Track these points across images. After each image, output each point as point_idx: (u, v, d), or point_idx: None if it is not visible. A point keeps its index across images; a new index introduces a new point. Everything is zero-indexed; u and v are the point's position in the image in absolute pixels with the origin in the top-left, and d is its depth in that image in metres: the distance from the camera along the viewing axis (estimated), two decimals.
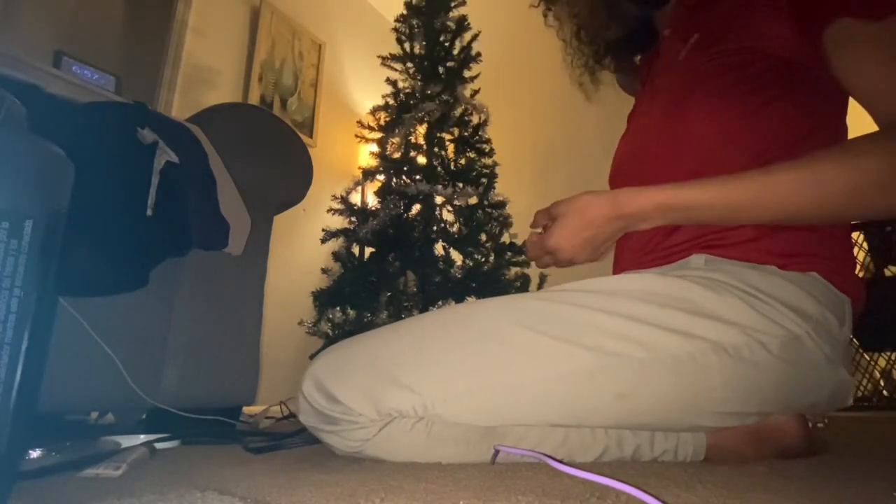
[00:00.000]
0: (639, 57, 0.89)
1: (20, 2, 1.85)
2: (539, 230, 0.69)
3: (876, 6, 0.54)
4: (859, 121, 0.59)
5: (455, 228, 2.12)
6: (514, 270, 2.07)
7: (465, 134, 2.25)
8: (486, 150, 2.24)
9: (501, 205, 2.13)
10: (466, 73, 2.30)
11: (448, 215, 2.15)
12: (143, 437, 0.76)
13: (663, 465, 0.55)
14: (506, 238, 2.10)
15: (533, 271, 2.06)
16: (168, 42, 2.26)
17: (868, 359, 1.76)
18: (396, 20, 2.37)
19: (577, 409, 0.55)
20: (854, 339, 1.70)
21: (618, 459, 0.58)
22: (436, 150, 2.23)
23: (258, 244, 1.17)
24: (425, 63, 2.30)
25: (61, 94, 0.90)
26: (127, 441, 0.75)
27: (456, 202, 2.07)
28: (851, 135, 0.63)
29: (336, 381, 0.56)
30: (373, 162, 2.23)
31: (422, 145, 2.23)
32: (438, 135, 2.23)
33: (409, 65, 2.33)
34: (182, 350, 1.00)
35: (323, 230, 2.09)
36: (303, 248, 2.63)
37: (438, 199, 2.12)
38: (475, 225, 2.08)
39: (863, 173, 0.51)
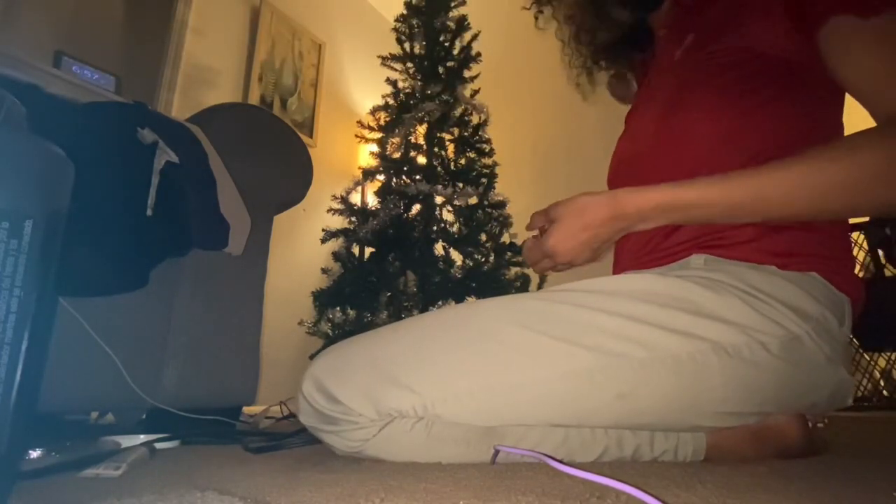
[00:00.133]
0: (637, 57, 0.89)
1: (20, 2, 1.85)
2: (535, 233, 0.69)
3: (871, 3, 0.54)
4: (857, 120, 0.58)
5: (455, 228, 2.12)
6: (514, 270, 2.07)
7: (465, 134, 2.25)
8: (486, 150, 2.24)
9: (501, 205, 2.13)
10: (466, 73, 2.30)
11: (448, 215, 2.15)
12: (143, 437, 0.76)
13: (663, 465, 0.55)
14: (506, 238, 2.10)
15: (533, 271, 2.06)
16: (168, 42, 2.26)
17: (868, 359, 1.76)
18: (396, 20, 2.37)
19: (577, 409, 0.55)
20: (854, 339, 1.70)
21: (618, 459, 0.58)
22: (436, 150, 2.23)
23: (258, 244, 1.17)
24: (425, 63, 2.30)
25: (61, 94, 0.90)
26: (127, 441, 0.75)
27: (456, 202, 2.07)
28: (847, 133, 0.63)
29: (336, 381, 0.56)
30: (373, 162, 2.23)
31: (422, 145, 2.23)
32: (438, 135, 2.23)
33: (409, 65, 2.33)
34: (182, 350, 1.00)
35: (323, 230, 2.09)
36: (303, 248, 2.63)
37: (438, 199, 2.12)
38: (475, 225, 2.08)
39: (862, 168, 0.51)
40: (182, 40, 2.29)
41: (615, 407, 0.54)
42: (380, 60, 2.33)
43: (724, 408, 0.56)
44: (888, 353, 1.73)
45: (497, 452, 0.54)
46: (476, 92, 2.33)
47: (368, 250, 2.14)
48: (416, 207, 2.13)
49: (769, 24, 0.62)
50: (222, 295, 1.09)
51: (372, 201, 2.28)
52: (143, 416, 1.09)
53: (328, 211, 2.13)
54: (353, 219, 2.12)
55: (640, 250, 0.68)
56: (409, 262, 2.04)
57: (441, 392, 0.54)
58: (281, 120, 1.28)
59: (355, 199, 2.21)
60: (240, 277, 1.14)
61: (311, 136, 2.82)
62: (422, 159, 2.22)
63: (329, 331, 1.99)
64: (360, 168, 2.28)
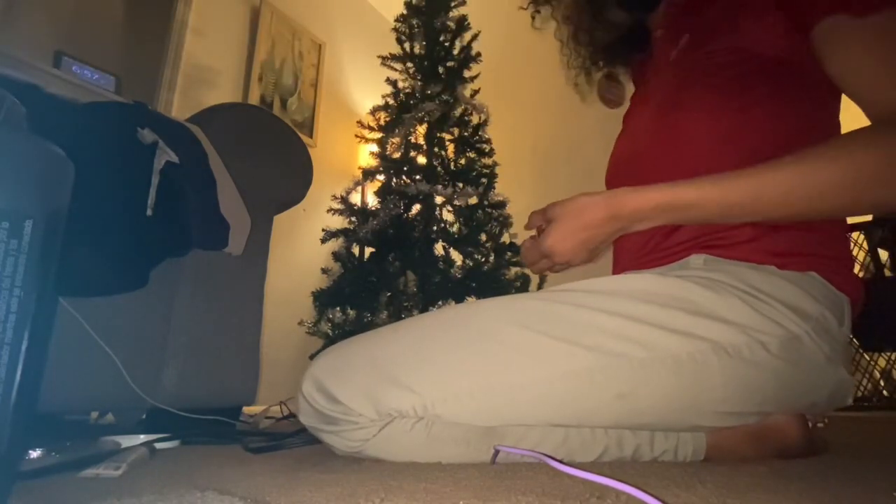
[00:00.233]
0: (635, 58, 0.90)
1: (20, 2, 1.85)
2: (533, 233, 0.69)
3: (864, 2, 0.54)
4: (854, 119, 0.58)
5: (455, 228, 2.12)
6: (514, 270, 2.07)
7: (465, 134, 2.25)
8: (486, 150, 2.24)
9: (501, 205, 2.13)
10: (466, 73, 2.30)
11: (448, 215, 2.15)
12: (143, 437, 0.76)
13: (663, 465, 0.55)
14: (506, 238, 2.10)
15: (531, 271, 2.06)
16: (168, 42, 2.26)
17: (868, 359, 1.76)
18: (396, 20, 2.37)
19: (577, 409, 0.55)
20: (854, 339, 1.70)
21: (618, 459, 0.58)
22: (436, 150, 2.23)
23: (258, 244, 1.17)
24: (425, 63, 2.30)
25: (61, 94, 0.90)
26: (127, 441, 0.75)
27: (456, 202, 2.07)
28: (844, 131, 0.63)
29: (336, 382, 0.56)
30: (373, 162, 2.23)
31: (422, 145, 2.23)
32: (438, 135, 2.23)
33: (409, 65, 2.33)
34: (182, 350, 1.00)
35: (323, 230, 2.09)
36: (303, 248, 2.63)
37: (438, 199, 2.12)
38: (475, 225, 2.08)
39: (858, 167, 0.51)
40: (182, 40, 2.29)
41: (615, 407, 0.54)
42: (380, 60, 2.33)
43: (724, 407, 0.56)
44: (888, 353, 1.73)
45: (497, 452, 0.54)
46: (476, 92, 2.33)
47: (368, 250, 2.14)
48: (416, 207, 2.13)
49: (764, 23, 0.62)
50: (222, 295, 1.09)
51: (372, 201, 2.28)
52: (143, 416, 1.09)
53: (328, 211, 2.13)
54: (353, 219, 2.12)
55: (639, 250, 0.68)
56: (409, 262, 2.04)
57: (441, 392, 0.54)
58: (281, 120, 1.28)
59: (355, 199, 2.21)
60: (240, 277, 1.14)
61: (311, 136, 2.82)
62: (422, 159, 2.22)
63: (329, 331, 1.99)
64: (360, 168, 2.28)
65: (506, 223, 2.12)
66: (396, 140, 2.21)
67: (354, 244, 2.12)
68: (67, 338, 0.82)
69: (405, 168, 2.19)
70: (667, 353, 0.53)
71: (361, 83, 3.20)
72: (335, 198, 2.13)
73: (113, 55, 2.10)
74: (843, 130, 0.62)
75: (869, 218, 1.76)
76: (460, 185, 2.08)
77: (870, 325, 1.51)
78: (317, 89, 2.91)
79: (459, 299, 1.96)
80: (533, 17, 0.88)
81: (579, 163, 2.73)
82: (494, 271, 2.01)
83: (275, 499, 0.40)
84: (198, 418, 0.96)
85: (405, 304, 1.98)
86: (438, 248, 2.09)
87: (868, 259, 1.75)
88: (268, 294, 1.21)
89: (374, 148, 2.26)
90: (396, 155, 2.22)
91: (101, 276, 0.86)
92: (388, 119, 2.27)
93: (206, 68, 2.39)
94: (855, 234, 1.78)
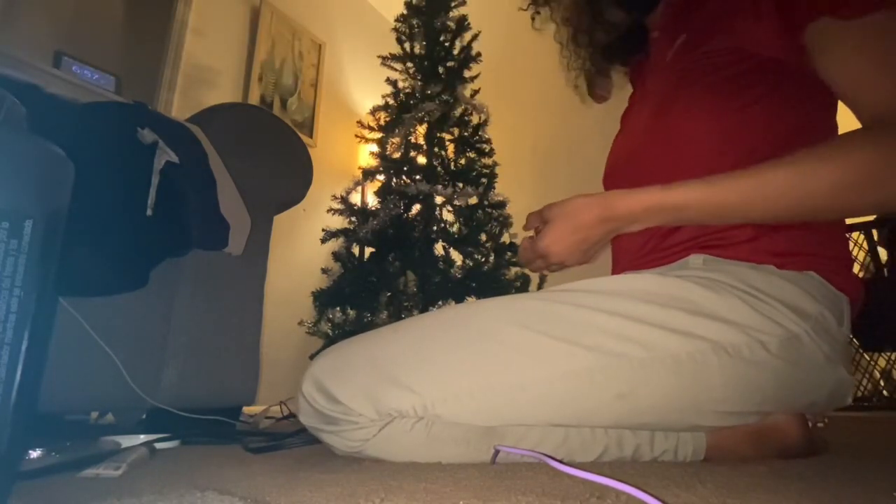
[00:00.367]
0: (633, 59, 0.90)
1: (20, 2, 1.85)
2: (531, 233, 0.70)
3: (853, 5, 0.55)
4: (853, 119, 0.59)
5: (455, 228, 2.12)
6: (514, 270, 2.07)
7: (465, 134, 2.25)
8: (486, 150, 2.24)
9: (501, 205, 2.13)
10: (466, 73, 2.30)
11: (448, 215, 2.15)
12: (143, 437, 0.76)
13: (663, 465, 0.55)
14: (506, 238, 2.10)
15: (530, 271, 2.06)
16: (168, 42, 2.26)
17: (868, 359, 1.76)
18: (396, 20, 2.37)
19: (577, 408, 0.55)
20: (854, 339, 1.70)
21: (618, 459, 0.58)
22: (436, 150, 2.23)
23: (258, 244, 1.17)
24: (425, 63, 2.30)
25: (61, 94, 0.90)
26: (127, 441, 0.75)
27: (456, 202, 2.07)
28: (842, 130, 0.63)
29: (336, 382, 0.56)
30: (373, 162, 2.22)
31: (422, 145, 2.23)
32: (438, 135, 2.23)
33: (409, 65, 2.33)
34: (182, 350, 1.00)
35: (323, 230, 2.09)
36: (303, 248, 2.63)
37: (438, 199, 2.12)
38: (475, 225, 2.08)
39: (848, 170, 0.51)
40: (182, 40, 2.29)
41: (615, 407, 0.54)
42: (380, 60, 2.33)
43: (724, 407, 0.56)
44: (888, 353, 1.73)
45: (497, 452, 0.54)
46: (476, 92, 2.33)
47: (368, 250, 2.14)
48: (416, 207, 2.13)
49: (760, 24, 0.62)
50: (222, 295, 1.09)
51: (372, 201, 2.28)
52: (143, 416, 1.09)
53: (328, 211, 2.13)
54: (353, 219, 2.12)
55: (639, 250, 0.69)
56: (409, 262, 2.04)
57: (441, 392, 0.54)
58: (281, 120, 1.28)
59: (355, 199, 2.21)
60: (240, 277, 1.14)
61: (311, 136, 2.82)
62: (422, 159, 2.22)
63: (329, 331, 1.99)
64: (360, 168, 2.27)
65: (506, 223, 2.12)
66: (396, 140, 2.21)
67: (354, 244, 2.12)
68: (67, 338, 0.82)
69: (405, 168, 2.19)
70: (666, 352, 0.53)
71: (361, 83, 3.20)
72: (335, 198, 2.13)
73: (113, 55, 2.10)
74: (841, 129, 0.62)
75: (869, 218, 1.76)
76: (460, 185, 2.08)
77: (870, 325, 1.51)
78: (317, 89, 2.91)
79: (459, 299, 1.96)
80: (533, 19, 0.88)
81: (579, 163, 2.72)
82: (494, 271, 2.01)
83: (275, 499, 0.40)
84: (198, 418, 0.96)
85: (405, 304, 1.98)
86: (438, 248, 2.09)
87: (868, 259, 1.75)
88: (268, 294, 1.21)
89: (374, 148, 2.26)
90: (396, 155, 2.22)
91: (101, 276, 0.86)
92: (388, 119, 2.27)
93: (206, 68, 2.39)
94: (855, 235, 1.78)
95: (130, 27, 2.22)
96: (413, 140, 2.22)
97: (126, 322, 0.93)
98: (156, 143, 0.91)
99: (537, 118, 3.21)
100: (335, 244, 2.13)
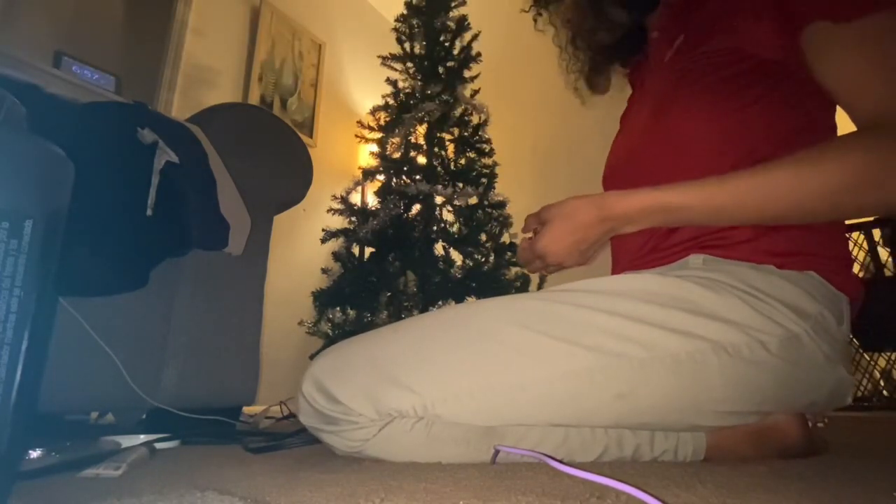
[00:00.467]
0: (633, 60, 0.90)
1: (20, 2, 1.85)
2: (530, 235, 0.70)
3: (848, 8, 0.55)
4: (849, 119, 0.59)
5: (455, 228, 2.12)
6: (514, 270, 2.07)
7: (465, 134, 2.25)
8: (486, 150, 2.24)
9: (501, 205, 2.13)
10: (466, 73, 2.30)
11: (448, 215, 2.15)
12: (143, 437, 0.76)
13: (663, 465, 0.55)
14: (506, 238, 2.10)
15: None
16: (168, 42, 2.26)
17: (868, 359, 1.76)
18: (396, 20, 2.37)
19: (577, 408, 0.55)
20: (854, 339, 1.70)
21: (618, 459, 0.58)
22: (436, 150, 2.23)
23: (258, 244, 1.17)
24: (425, 63, 2.30)
25: (61, 94, 0.90)
26: (127, 441, 0.75)
27: (456, 202, 2.07)
28: (841, 130, 0.63)
29: (336, 382, 0.56)
30: (373, 162, 2.23)
31: (422, 145, 2.23)
32: (438, 135, 2.23)
33: (409, 65, 2.33)
34: (182, 350, 1.00)
35: (323, 230, 2.09)
36: (303, 248, 2.63)
37: (438, 199, 2.12)
38: (475, 225, 2.08)
39: (844, 173, 0.52)
40: (182, 40, 2.29)
41: (615, 407, 0.54)
42: (380, 60, 2.33)
43: (724, 407, 0.56)
44: (888, 353, 1.73)
45: (497, 452, 0.54)
46: (476, 92, 2.33)
47: (368, 250, 2.14)
48: (416, 207, 2.13)
49: (759, 25, 0.62)
50: (222, 295, 1.09)
51: (372, 201, 2.28)
52: (143, 416, 1.09)
53: (328, 211, 2.13)
54: (353, 219, 2.12)
55: (639, 251, 0.69)
56: (409, 262, 2.04)
57: (441, 392, 0.54)
58: (281, 120, 1.28)
59: (355, 199, 2.21)
60: (240, 277, 1.14)
61: (311, 136, 2.82)
62: (422, 159, 2.22)
63: (329, 331, 1.99)
64: (360, 168, 2.28)
65: (506, 223, 2.12)
66: (396, 140, 2.21)
67: (354, 244, 2.12)
68: (67, 338, 0.82)
69: (405, 168, 2.19)
70: (666, 352, 0.53)
71: (361, 83, 3.20)
72: (335, 198, 2.13)
73: (113, 55, 2.10)
74: (841, 130, 0.62)
75: (869, 218, 1.76)
76: (460, 185, 2.08)
77: (870, 325, 1.51)
78: (317, 89, 2.91)
79: (459, 299, 1.96)
80: (535, 21, 0.89)
81: (579, 163, 2.72)
82: (494, 271, 2.01)
83: (275, 499, 0.40)
84: (198, 418, 0.96)
85: (405, 304, 1.98)
86: (438, 248, 2.09)
87: (868, 259, 1.75)
88: (268, 294, 1.21)
89: (374, 148, 2.26)
90: (396, 155, 2.22)
91: (101, 276, 0.86)
92: (388, 119, 2.27)
93: (206, 68, 2.39)
94: (855, 235, 1.78)
95: (130, 27, 2.22)
96: (413, 140, 2.22)
97: (126, 322, 0.93)
98: (156, 143, 0.91)
99: (537, 118, 3.21)
100: (335, 244, 2.13)
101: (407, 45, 2.34)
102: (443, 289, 1.97)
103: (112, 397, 0.92)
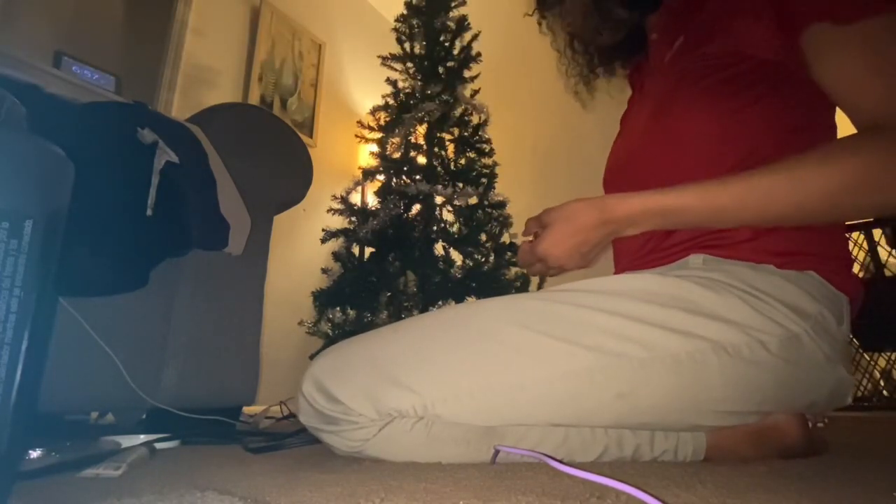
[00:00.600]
0: (632, 62, 0.90)
1: (20, 2, 1.85)
2: (530, 238, 0.70)
3: (848, 10, 0.55)
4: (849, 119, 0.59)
5: (455, 228, 2.12)
6: (514, 270, 2.07)
7: (465, 134, 2.25)
8: (486, 150, 2.24)
9: (501, 205, 2.13)
10: (466, 73, 2.30)
11: (448, 215, 2.15)
12: (143, 437, 0.76)
13: (663, 465, 0.55)
14: (506, 238, 2.10)
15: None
16: (168, 42, 2.26)
17: (868, 359, 1.76)
18: (396, 20, 2.37)
19: (577, 408, 0.55)
20: (854, 339, 1.70)
21: (618, 459, 0.58)
22: (436, 150, 2.23)
23: (258, 244, 1.17)
24: (425, 63, 2.30)
25: (61, 94, 0.90)
26: (127, 441, 0.75)
27: (456, 202, 2.07)
28: (841, 130, 0.63)
29: (336, 381, 0.56)
30: (373, 162, 2.23)
31: (422, 145, 2.23)
32: (438, 135, 2.24)
33: (409, 65, 2.33)
34: (182, 350, 1.00)
35: (323, 230, 2.09)
36: (303, 248, 2.63)
37: (438, 199, 2.13)
38: (475, 225, 2.08)
39: (844, 174, 0.52)
40: (182, 40, 2.29)
41: (615, 406, 0.54)
42: (380, 60, 2.33)
43: (724, 407, 0.56)
44: (888, 353, 1.73)
45: (497, 452, 0.54)
46: (476, 92, 2.33)
47: (368, 250, 2.14)
48: (416, 207, 2.13)
49: (756, 28, 0.62)
50: (222, 295, 1.09)
51: (372, 201, 2.28)
52: (143, 416, 1.09)
53: (328, 211, 2.13)
54: (353, 219, 2.12)
55: (639, 251, 0.69)
56: (409, 262, 2.04)
57: (441, 392, 0.54)
58: (281, 120, 1.28)
59: (355, 199, 2.21)
60: (240, 277, 1.14)
61: (311, 136, 2.82)
62: (422, 159, 2.22)
63: (329, 331, 1.99)
64: (360, 168, 2.28)
65: (506, 223, 2.12)
66: (396, 140, 2.21)
67: (354, 244, 2.12)
68: (67, 338, 0.82)
69: (405, 168, 2.19)
70: (666, 352, 0.53)
71: (361, 83, 3.20)
72: (335, 198, 2.13)
73: (113, 55, 2.10)
74: (841, 130, 0.62)
75: (870, 218, 1.76)
76: (460, 185, 2.08)
77: (870, 325, 1.51)
78: (317, 89, 2.91)
79: (459, 299, 1.96)
80: (539, 24, 0.89)
81: (579, 163, 2.73)
82: (494, 271, 2.01)
83: (275, 499, 0.40)
84: (198, 418, 0.96)
85: (405, 304, 1.98)
86: (438, 248, 2.09)
87: (868, 259, 1.75)
88: (268, 294, 1.21)
89: (374, 148, 2.26)
90: (396, 155, 2.22)
91: (101, 276, 0.86)
92: (388, 119, 2.27)
93: (206, 68, 2.39)
94: (855, 235, 1.78)
95: (130, 27, 2.22)
96: (413, 140, 2.23)
97: (126, 322, 0.93)
98: (156, 143, 0.91)
99: (537, 118, 3.21)
100: (335, 244, 2.13)
101: (407, 45, 2.34)
102: (443, 289, 1.97)
103: (112, 397, 0.92)
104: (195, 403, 1.00)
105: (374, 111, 2.29)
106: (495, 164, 2.24)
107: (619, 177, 0.75)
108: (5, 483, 0.39)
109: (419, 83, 2.27)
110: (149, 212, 0.88)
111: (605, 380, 0.53)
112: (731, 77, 0.63)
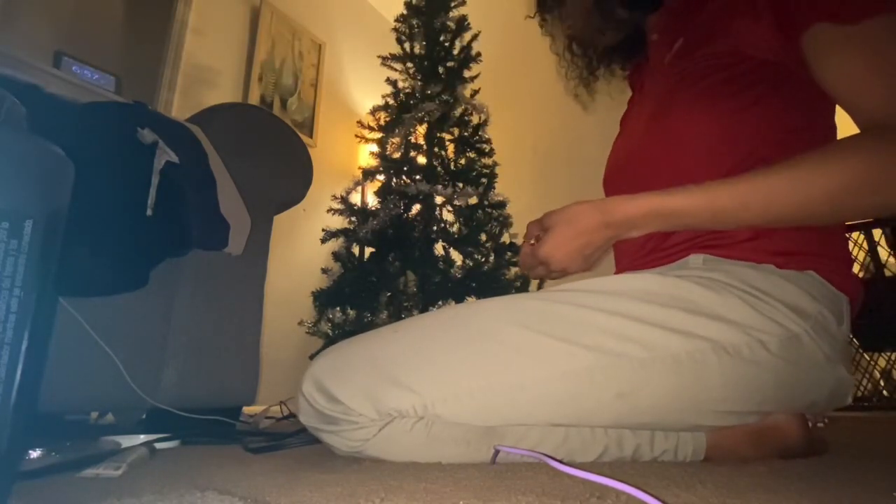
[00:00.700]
0: (632, 63, 0.90)
1: (20, 2, 1.85)
2: (532, 241, 0.70)
3: (850, 10, 0.55)
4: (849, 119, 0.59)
5: (455, 228, 2.12)
6: (514, 270, 2.07)
7: (465, 134, 2.25)
8: (486, 150, 2.24)
9: (501, 205, 2.13)
10: (466, 73, 2.30)
11: (448, 215, 2.15)
12: (143, 437, 0.76)
13: (663, 465, 0.55)
14: (506, 238, 2.10)
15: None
16: (168, 42, 2.26)
17: (868, 359, 1.76)
18: (396, 20, 2.37)
19: (577, 408, 0.55)
20: (854, 339, 1.70)
21: (618, 459, 0.58)
22: (436, 150, 2.23)
23: (258, 244, 1.17)
24: (425, 63, 2.30)
25: (61, 94, 0.90)
26: (127, 441, 0.75)
27: (456, 202, 2.07)
28: (841, 130, 0.63)
29: (336, 381, 0.56)
30: (373, 162, 2.23)
31: (422, 145, 2.23)
32: (438, 135, 2.24)
33: (409, 65, 2.33)
34: (182, 350, 1.00)
35: (323, 230, 2.09)
36: (303, 248, 2.63)
37: (438, 199, 2.13)
38: (475, 225, 2.08)
39: (845, 175, 0.52)
40: (182, 40, 2.29)
41: (615, 406, 0.54)
42: (380, 60, 2.33)
43: (724, 407, 0.56)
44: (888, 353, 1.73)
45: (497, 452, 0.54)
46: (476, 92, 2.33)
47: (368, 250, 2.14)
48: (416, 207, 2.13)
49: (756, 29, 0.62)
50: (222, 295, 1.09)
51: (372, 201, 2.28)
52: (143, 416, 1.09)
53: (328, 211, 2.13)
54: (353, 219, 2.12)
55: (639, 251, 0.69)
56: (409, 262, 2.04)
57: (441, 392, 0.54)
58: (281, 120, 1.28)
59: (355, 199, 2.21)
60: (240, 277, 1.14)
61: (311, 136, 2.82)
62: (422, 159, 2.22)
63: (329, 331, 1.99)
64: (360, 168, 2.28)
65: (506, 223, 2.12)
66: (396, 140, 2.21)
67: (354, 244, 2.12)
68: (67, 338, 0.82)
69: (405, 168, 2.19)
70: (666, 352, 0.53)
71: (361, 83, 3.20)
72: (335, 198, 2.13)
73: (113, 55, 2.10)
74: (841, 130, 0.62)
75: (871, 218, 1.76)
76: (460, 185, 2.08)
77: (870, 325, 1.51)
78: (317, 89, 2.91)
79: (459, 299, 1.96)
80: (542, 26, 0.89)
81: (579, 163, 2.72)
82: (494, 271, 2.01)
83: (275, 499, 0.40)
84: (198, 418, 0.96)
85: (405, 304, 1.98)
86: (438, 248, 2.09)
87: (868, 259, 1.75)
88: (268, 294, 1.21)
89: (374, 148, 2.26)
90: (396, 155, 2.23)
91: (101, 276, 0.86)
92: (388, 119, 2.27)
93: (206, 68, 2.39)
94: (855, 235, 1.78)
95: (130, 27, 2.22)
96: (413, 140, 2.23)
97: (126, 322, 0.93)
98: (156, 143, 0.91)
99: (537, 118, 3.21)
100: (335, 244, 2.13)
101: (407, 45, 2.34)
102: (443, 289, 1.97)
103: (112, 397, 0.92)
104: (195, 403, 1.00)
105: (374, 111, 2.29)
106: (495, 164, 2.24)
107: (619, 177, 0.75)
108: (5, 483, 0.39)
109: (419, 83, 2.27)
110: (149, 212, 0.88)
111: (605, 380, 0.53)
112: (730, 77, 0.63)
